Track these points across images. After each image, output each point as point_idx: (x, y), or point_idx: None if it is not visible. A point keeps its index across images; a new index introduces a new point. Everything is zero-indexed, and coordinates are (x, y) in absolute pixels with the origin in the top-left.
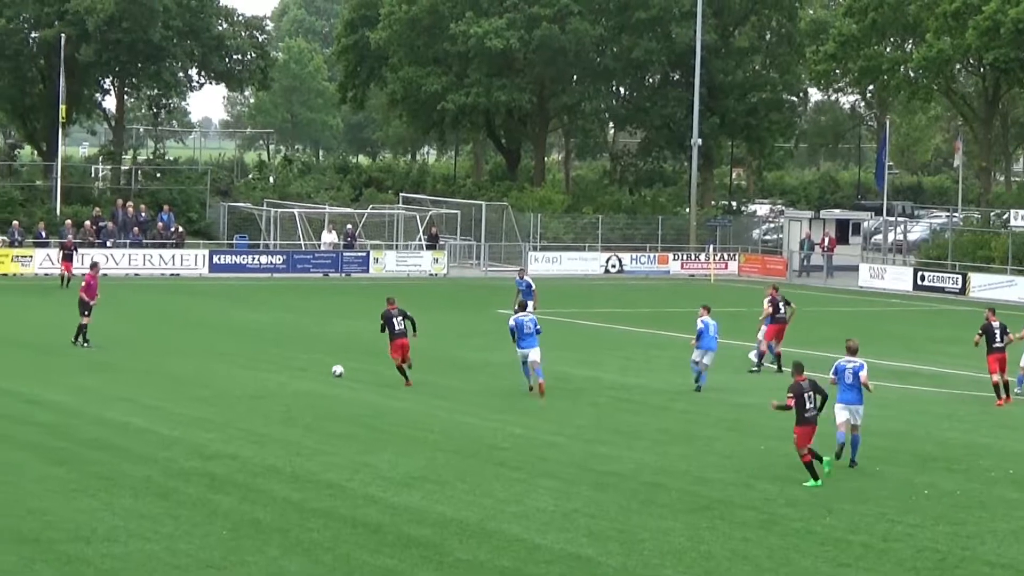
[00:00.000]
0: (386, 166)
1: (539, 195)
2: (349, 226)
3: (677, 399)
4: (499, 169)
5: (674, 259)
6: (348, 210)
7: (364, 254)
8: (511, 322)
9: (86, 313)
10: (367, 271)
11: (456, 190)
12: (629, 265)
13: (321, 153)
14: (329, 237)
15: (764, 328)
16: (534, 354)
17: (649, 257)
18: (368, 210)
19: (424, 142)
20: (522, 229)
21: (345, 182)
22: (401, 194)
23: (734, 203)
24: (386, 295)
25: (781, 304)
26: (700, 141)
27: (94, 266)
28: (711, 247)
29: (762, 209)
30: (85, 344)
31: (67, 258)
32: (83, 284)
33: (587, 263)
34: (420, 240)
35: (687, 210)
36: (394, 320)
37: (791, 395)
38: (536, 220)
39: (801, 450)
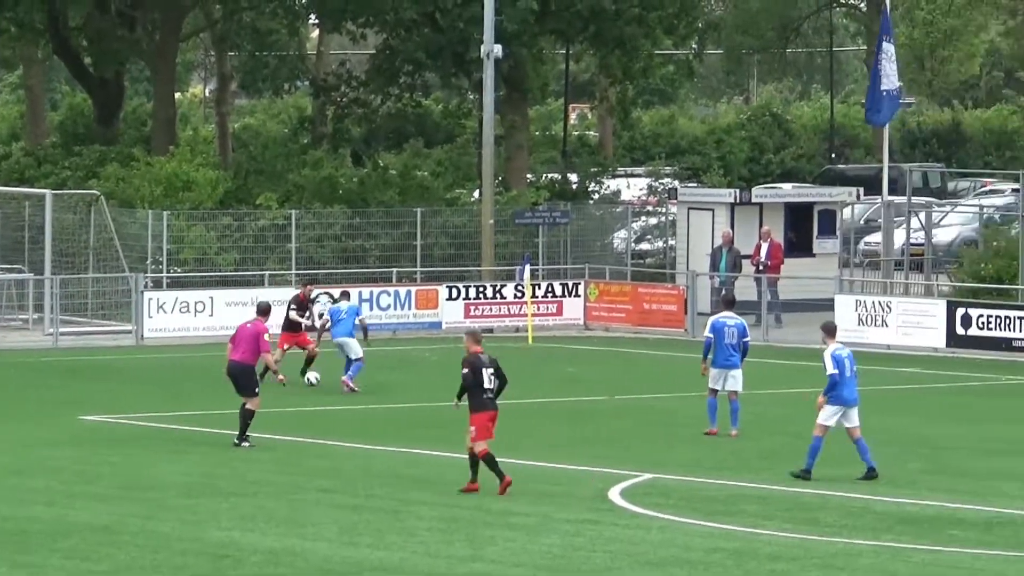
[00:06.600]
0: None
1: (165, 172)
2: None
3: None
4: (80, 120)
5: (449, 297)
6: None
7: None
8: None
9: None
10: None
11: None
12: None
13: None
14: None
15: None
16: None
17: (398, 296)
18: None
19: None
20: (131, 245)
21: None
22: None
23: (573, 177)
24: None
25: None
26: (499, 49)
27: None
28: (526, 269)
29: (632, 187)
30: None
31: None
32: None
33: (249, 312)
34: None
35: (475, 196)
36: (483, 372)
37: None
38: (160, 224)
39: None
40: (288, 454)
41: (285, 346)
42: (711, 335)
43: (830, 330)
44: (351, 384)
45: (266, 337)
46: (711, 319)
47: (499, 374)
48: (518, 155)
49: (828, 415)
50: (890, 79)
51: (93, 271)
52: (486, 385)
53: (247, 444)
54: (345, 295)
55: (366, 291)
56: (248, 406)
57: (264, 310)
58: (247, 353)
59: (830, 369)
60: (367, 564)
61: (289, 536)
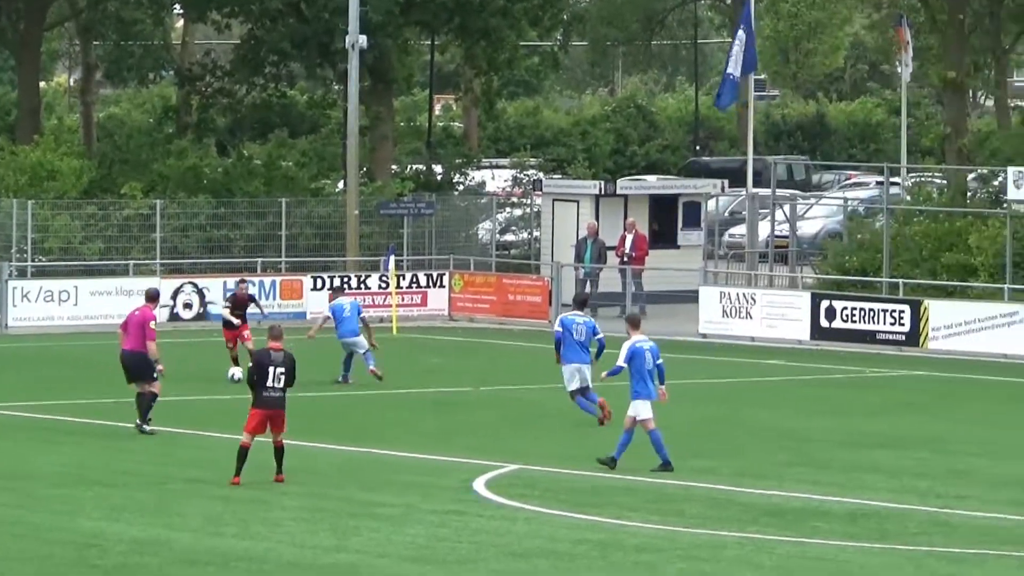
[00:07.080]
0: None
1: (29, 161)
2: None
3: None
4: None
5: (314, 288)
6: None
7: None
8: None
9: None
10: None
11: None
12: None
13: None
14: None
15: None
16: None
17: (263, 286)
18: None
19: None
20: None
21: None
22: None
23: (438, 168)
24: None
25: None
26: (364, 40)
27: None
28: (390, 260)
29: (497, 178)
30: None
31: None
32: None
33: (113, 301)
34: None
35: (339, 186)
36: (270, 370)
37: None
38: (25, 213)
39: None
40: (161, 445)
41: (230, 344)
42: (560, 330)
43: (634, 322)
44: (376, 371)
45: (152, 325)
46: (560, 316)
47: (289, 374)
48: (383, 146)
49: (643, 409)
50: (736, 65)
51: None
52: (269, 383)
53: (148, 428)
54: (339, 291)
55: (231, 281)
56: (151, 389)
57: (152, 296)
58: (138, 341)
59: (620, 360)
60: (232, 554)
61: (155, 526)
